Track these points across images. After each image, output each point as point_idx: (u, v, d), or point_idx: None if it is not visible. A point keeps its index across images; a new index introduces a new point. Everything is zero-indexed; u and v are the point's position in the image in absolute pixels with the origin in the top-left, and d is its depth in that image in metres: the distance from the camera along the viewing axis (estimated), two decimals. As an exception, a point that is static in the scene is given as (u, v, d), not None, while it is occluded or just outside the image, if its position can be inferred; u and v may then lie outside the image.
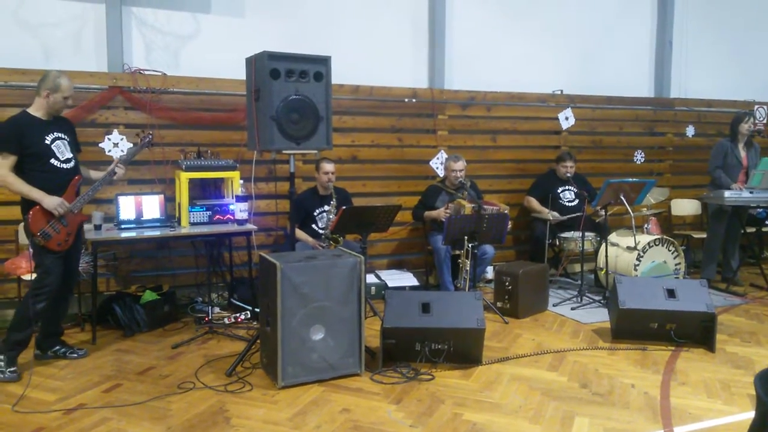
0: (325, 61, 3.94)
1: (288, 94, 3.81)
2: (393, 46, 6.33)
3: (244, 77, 4.10)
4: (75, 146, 4.13)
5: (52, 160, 3.89)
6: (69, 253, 4.05)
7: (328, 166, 5.41)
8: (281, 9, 5.82)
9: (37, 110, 3.92)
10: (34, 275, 3.88)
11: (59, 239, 3.89)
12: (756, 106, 7.78)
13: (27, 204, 3.84)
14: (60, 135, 3.97)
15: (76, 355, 4.19)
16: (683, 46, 7.69)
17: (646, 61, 7.64)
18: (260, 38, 5.31)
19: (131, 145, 5.20)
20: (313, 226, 5.43)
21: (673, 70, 7.65)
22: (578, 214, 5.73)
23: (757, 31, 8.10)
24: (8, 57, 4.89)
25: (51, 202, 3.82)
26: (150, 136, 4.47)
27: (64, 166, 3.96)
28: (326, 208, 5.39)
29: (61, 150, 3.95)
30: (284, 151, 3.94)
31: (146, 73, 5.25)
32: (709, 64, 7.88)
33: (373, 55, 6.19)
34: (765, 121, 7.83)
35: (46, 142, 3.88)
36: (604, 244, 5.61)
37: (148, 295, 4.91)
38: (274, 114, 3.77)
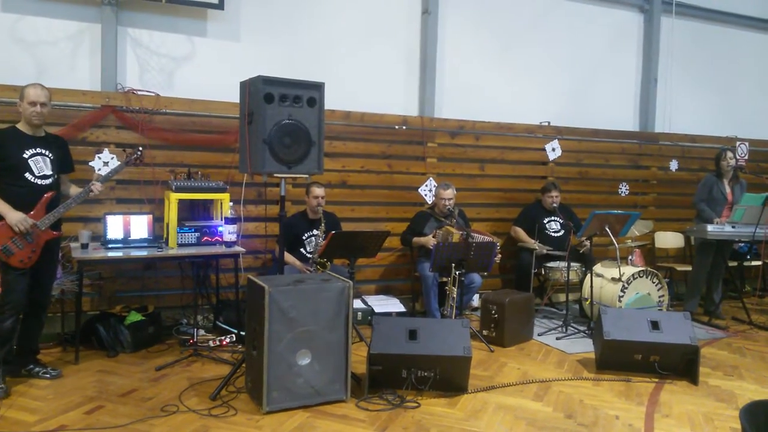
0: (318, 87, 3.97)
1: (281, 118, 3.83)
2: (385, 74, 6.42)
3: (236, 100, 4.13)
4: (62, 165, 4.10)
5: (27, 174, 3.87)
6: (39, 270, 3.98)
7: (318, 191, 5.44)
8: (276, 35, 5.89)
9: (23, 125, 3.95)
10: None
11: (22, 256, 3.81)
12: (738, 143, 7.95)
13: None
14: (42, 151, 3.95)
15: (49, 375, 4.10)
16: (668, 83, 7.87)
17: (632, 97, 7.81)
18: (254, 62, 5.36)
19: (120, 164, 5.20)
20: (302, 249, 5.43)
21: (657, 105, 7.83)
22: (563, 253, 5.76)
23: (739, 69, 8.32)
24: (1, 73, 4.89)
25: (13, 217, 3.77)
26: (138, 153, 4.42)
27: (39, 182, 3.93)
28: (315, 232, 5.40)
29: (40, 165, 3.93)
30: (275, 175, 3.95)
31: (139, 93, 5.27)
32: (693, 100, 8.07)
33: (365, 82, 6.27)
34: (746, 157, 8.00)
35: (24, 156, 3.87)
36: (588, 275, 5.65)
37: (133, 316, 4.86)
38: (267, 137, 3.79)
